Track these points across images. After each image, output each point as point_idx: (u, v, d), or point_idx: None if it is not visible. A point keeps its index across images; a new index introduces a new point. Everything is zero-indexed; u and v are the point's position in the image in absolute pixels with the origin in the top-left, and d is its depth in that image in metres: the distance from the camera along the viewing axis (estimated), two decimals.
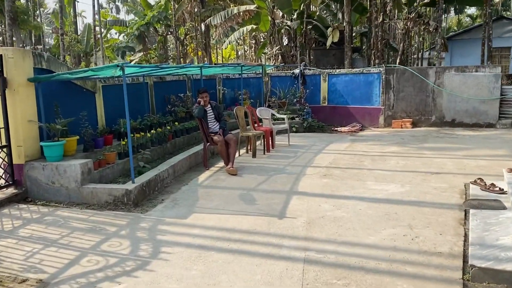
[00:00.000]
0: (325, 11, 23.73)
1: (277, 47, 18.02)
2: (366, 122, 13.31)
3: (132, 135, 7.52)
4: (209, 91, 12.33)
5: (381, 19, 17.28)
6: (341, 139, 11.17)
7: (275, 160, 8.49)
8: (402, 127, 12.72)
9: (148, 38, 24.50)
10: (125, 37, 24.83)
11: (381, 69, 13.03)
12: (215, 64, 9.86)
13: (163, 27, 24.53)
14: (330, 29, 16.24)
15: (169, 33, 25.09)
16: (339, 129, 12.94)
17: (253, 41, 36.41)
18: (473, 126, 12.12)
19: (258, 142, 9.57)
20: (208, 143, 7.79)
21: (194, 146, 9.04)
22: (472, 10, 52.99)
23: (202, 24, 25.26)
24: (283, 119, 10.84)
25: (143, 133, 8.05)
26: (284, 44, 19.94)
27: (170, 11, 23.26)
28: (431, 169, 7.46)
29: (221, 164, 7.96)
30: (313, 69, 14.30)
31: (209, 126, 7.82)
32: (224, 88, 13.04)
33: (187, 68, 8.89)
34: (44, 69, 6.50)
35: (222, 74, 13.30)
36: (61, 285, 3.67)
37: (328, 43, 16.21)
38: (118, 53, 23.21)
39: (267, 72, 12.58)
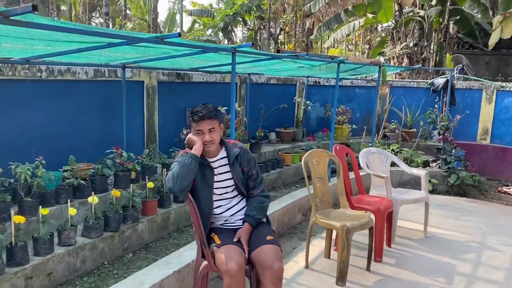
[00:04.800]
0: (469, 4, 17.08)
1: (402, 45, 12.21)
2: None
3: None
4: (280, 104, 7.26)
5: None
6: None
7: None
8: None
9: (234, 32, 20.24)
10: (209, 30, 20.91)
11: None
12: (278, 51, 4.80)
13: (254, 20, 20.05)
14: (497, 19, 10.02)
15: (262, 27, 20.53)
16: None
17: (367, 46, 30.50)
18: None
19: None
20: (205, 262, 2.70)
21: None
22: None
23: (305, 19, 20.37)
24: (418, 178, 5.22)
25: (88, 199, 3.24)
26: (411, 44, 13.97)
27: (265, 0, 18.69)
28: None
29: None
30: (473, 79, 8.34)
31: (215, 212, 2.74)
32: (308, 102, 7.81)
33: (203, 54, 3.87)
34: None
35: (307, 77, 8.12)
36: None
37: (492, 41, 10.01)
38: None
39: (386, 78, 7.14)
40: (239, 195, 2.80)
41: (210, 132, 2.59)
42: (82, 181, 3.51)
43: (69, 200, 3.20)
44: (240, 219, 2.72)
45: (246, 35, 21.51)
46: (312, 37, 16.47)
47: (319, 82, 8.44)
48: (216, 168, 2.69)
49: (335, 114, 5.70)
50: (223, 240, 2.58)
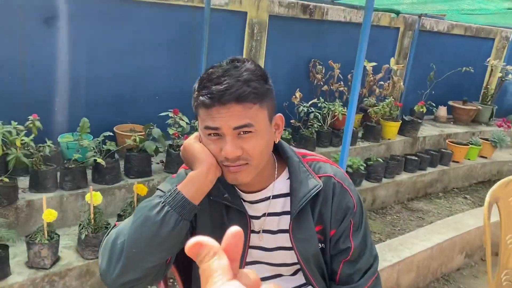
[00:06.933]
0: None
1: None
2: None
3: None
4: (463, 66, 4.83)
5: None
6: None
7: None
8: None
9: None
10: None
11: None
12: None
13: None
14: None
15: None
16: None
17: None
18: None
19: None
20: None
21: None
22: None
23: None
24: None
25: None
26: None
27: None
28: None
29: None
30: None
31: None
32: (510, 67, 5.19)
33: None
34: None
35: None
36: None
37: None
38: None
39: None
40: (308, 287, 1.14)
41: (240, 135, 0.91)
42: (100, 160, 2.25)
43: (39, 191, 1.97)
44: None
45: None
46: None
47: None
48: (259, 218, 1.06)
49: None
50: None
